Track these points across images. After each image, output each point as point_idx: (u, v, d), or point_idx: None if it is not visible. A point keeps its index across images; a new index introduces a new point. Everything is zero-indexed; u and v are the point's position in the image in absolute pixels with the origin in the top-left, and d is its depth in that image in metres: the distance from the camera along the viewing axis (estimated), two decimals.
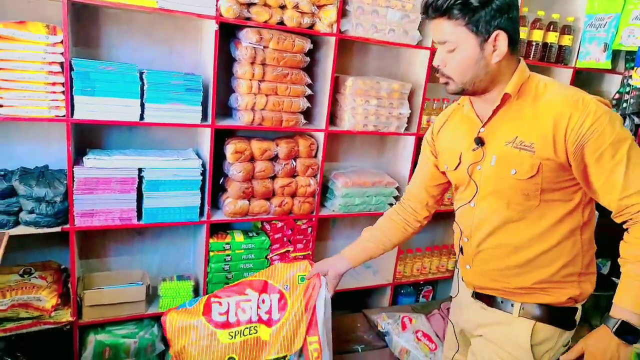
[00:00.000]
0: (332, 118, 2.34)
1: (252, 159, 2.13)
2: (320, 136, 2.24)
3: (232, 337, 1.74)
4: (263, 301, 1.79)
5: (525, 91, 1.21)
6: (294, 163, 2.21)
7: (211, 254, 2.15)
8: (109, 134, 2.10)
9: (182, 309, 1.78)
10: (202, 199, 2.08)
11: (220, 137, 2.14)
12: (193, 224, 2.08)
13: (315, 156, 2.27)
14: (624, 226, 1.18)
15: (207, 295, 1.82)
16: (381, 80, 2.29)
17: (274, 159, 2.18)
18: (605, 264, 3.53)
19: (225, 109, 2.19)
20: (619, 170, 1.12)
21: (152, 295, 2.18)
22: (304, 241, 2.34)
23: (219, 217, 2.16)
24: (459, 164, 1.35)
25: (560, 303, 1.29)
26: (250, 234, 2.25)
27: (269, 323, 1.78)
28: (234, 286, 1.83)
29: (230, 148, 2.06)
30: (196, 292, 2.22)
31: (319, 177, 2.27)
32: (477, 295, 1.41)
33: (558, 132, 1.14)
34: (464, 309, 1.50)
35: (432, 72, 2.58)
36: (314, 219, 2.33)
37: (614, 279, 3.14)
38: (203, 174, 2.05)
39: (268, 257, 2.28)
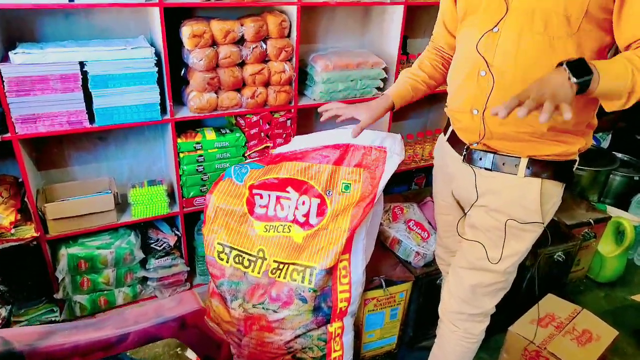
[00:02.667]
0: None
1: (214, 44, 1.83)
2: (293, 11, 1.91)
3: (267, 230, 1.67)
4: (303, 202, 1.66)
5: None
6: (264, 45, 1.91)
7: (181, 155, 1.95)
8: (43, 24, 1.76)
9: (228, 180, 1.70)
10: (163, 94, 1.82)
11: (176, 20, 1.81)
12: (155, 123, 1.84)
13: (289, 36, 1.96)
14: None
15: (250, 184, 1.68)
16: None
17: (240, 42, 1.88)
18: (606, 137, 3.38)
19: None
20: None
21: (123, 204, 2.02)
22: (284, 135, 2.13)
23: (184, 114, 1.92)
24: None
25: (569, 154, 1.24)
26: (223, 131, 2.03)
27: (303, 225, 1.65)
28: (276, 179, 1.67)
29: (186, 31, 1.75)
30: (171, 197, 2.06)
31: (294, 61, 1.99)
32: (470, 159, 1.32)
33: None
34: (456, 179, 1.41)
35: None
36: (292, 110, 2.10)
37: (615, 153, 3.02)
38: (159, 64, 1.76)
39: (246, 154, 2.08)
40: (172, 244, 2.10)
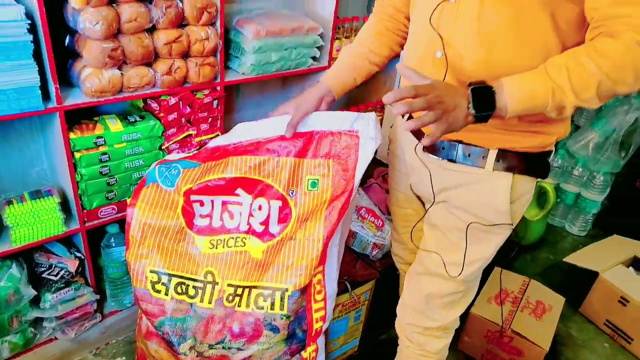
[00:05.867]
0: None
1: (112, 1, 1.34)
2: None
3: (213, 246, 1.29)
4: (260, 207, 1.29)
5: None
6: (181, 4, 1.47)
7: (77, 155, 1.45)
8: None
9: (152, 186, 1.27)
10: (43, 73, 1.30)
11: None
12: (37, 113, 1.32)
13: None
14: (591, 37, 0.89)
15: (185, 187, 1.27)
16: None
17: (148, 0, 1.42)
18: None
19: None
20: None
21: None
22: (209, 119, 1.72)
23: (77, 99, 1.41)
24: None
25: (545, 146, 1.07)
26: (132, 119, 1.56)
27: (262, 236, 1.29)
28: (222, 180, 1.28)
29: None
30: (67, 211, 1.55)
31: (219, 26, 1.57)
32: (431, 148, 1.12)
33: None
34: (415, 171, 1.22)
35: None
36: (219, 88, 1.69)
37: None
38: (33, 31, 1.24)
39: (163, 147, 1.64)
40: (72, 269, 1.60)
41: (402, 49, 1.28)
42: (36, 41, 1.26)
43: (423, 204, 1.32)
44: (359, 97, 2.59)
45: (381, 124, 2.41)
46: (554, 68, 0.85)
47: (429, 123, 0.85)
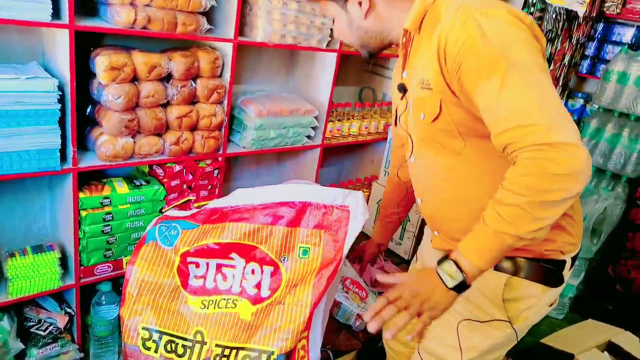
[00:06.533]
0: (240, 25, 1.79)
1: (134, 79, 1.51)
2: (228, 49, 1.69)
3: (205, 306, 1.35)
4: (252, 271, 1.37)
5: (428, 21, 1.00)
6: (194, 85, 1.65)
7: (83, 213, 1.54)
8: None
9: (152, 244, 1.37)
10: (64, 137, 1.43)
11: (81, 47, 1.46)
12: (54, 173, 1.43)
13: (221, 76, 1.73)
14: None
15: (182, 249, 1.37)
16: None
17: (166, 79, 1.60)
18: None
19: (83, 5, 1.50)
20: (494, 98, 0.86)
21: None
22: (209, 187, 1.85)
23: (90, 161, 1.53)
24: (396, 119, 1.23)
25: (541, 255, 1.08)
26: (137, 183, 1.68)
27: (254, 300, 1.36)
28: (217, 245, 1.38)
29: (101, 62, 1.41)
30: (64, 267, 1.61)
31: (226, 104, 1.75)
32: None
33: (440, 59, 0.93)
34: (427, 256, 1.36)
35: None
36: (220, 159, 1.84)
37: None
38: (62, 100, 1.39)
39: (163, 210, 1.75)
40: (61, 325, 1.63)
41: None
42: (63, 109, 1.40)
43: None
44: (348, 174, 2.76)
45: (368, 200, 2.56)
46: (487, 215, 0.88)
47: (405, 323, 0.90)
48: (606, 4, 2.89)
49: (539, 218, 0.84)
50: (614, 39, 2.97)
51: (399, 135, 1.34)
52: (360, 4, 1.07)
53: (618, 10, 2.86)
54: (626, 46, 2.60)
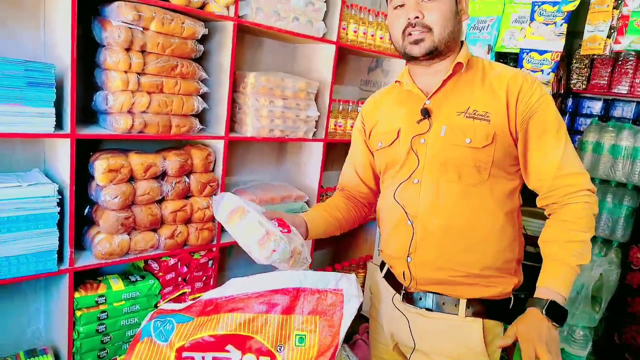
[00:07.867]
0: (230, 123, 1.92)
1: (130, 178, 1.59)
2: (219, 145, 1.80)
3: None
4: None
5: (472, 65, 1.22)
6: (188, 180, 1.73)
7: (78, 313, 1.55)
8: None
9: (147, 341, 1.33)
10: (61, 238, 1.48)
11: (81, 151, 1.56)
12: (50, 275, 1.46)
13: (213, 170, 1.82)
14: (547, 212, 1.20)
15: (178, 344, 1.33)
16: (285, 77, 1.94)
17: (161, 176, 1.68)
18: None
19: (84, 113, 1.62)
20: (558, 149, 1.14)
21: None
22: (204, 278, 1.86)
23: (87, 260, 1.57)
24: (395, 139, 1.26)
25: (505, 294, 1.23)
26: (132, 278, 1.70)
27: None
28: (212, 337, 1.34)
29: (100, 165, 1.50)
30: None
31: None
32: (409, 299, 1.27)
33: (510, 101, 1.15)
34: (394, 321, 1.33)
35: (338, 70, 2.33)
36: (214, 249, 1.87)
37: None
38: (61, 204, 1.45)
39: (158, 305, 1.75)
40: None
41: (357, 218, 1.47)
42: (61, 213, 1.46)
43: (405, 357, 1.40)
44: (342, 255, 2.78)
45: (364, 280, 2.55)
46: (561, 254, 1.11)
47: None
48: (572, 81, 3.11)
49: (588, 249, 1.11)
50: (584, 111, 3.16)
51: (389, 156, 1.29)
52: (463, 6, 1.21)
53: (584, 86, 3.07)
54: (596, 118, 2.77)
